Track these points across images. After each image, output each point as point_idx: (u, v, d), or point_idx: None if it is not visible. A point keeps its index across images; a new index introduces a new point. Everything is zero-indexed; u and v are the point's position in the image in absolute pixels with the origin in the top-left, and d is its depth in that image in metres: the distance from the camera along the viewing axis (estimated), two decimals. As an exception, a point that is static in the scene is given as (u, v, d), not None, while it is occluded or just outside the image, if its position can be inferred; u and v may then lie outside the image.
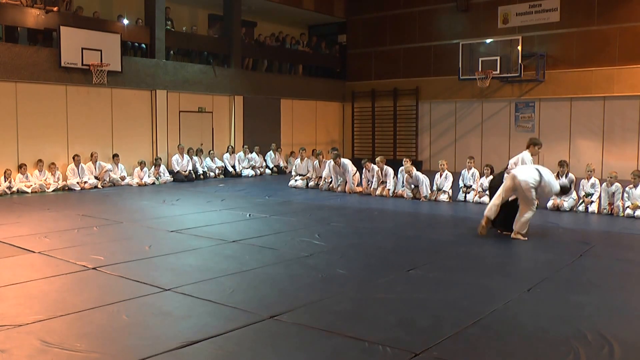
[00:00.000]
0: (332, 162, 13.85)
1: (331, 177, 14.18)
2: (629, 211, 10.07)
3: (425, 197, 12.23)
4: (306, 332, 4.42)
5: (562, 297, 5.35)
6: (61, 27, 14.35)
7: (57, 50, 14.33)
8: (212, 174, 17.34)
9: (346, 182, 13.74)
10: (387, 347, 4.08)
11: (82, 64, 14.63)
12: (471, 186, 12.24)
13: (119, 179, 15.12)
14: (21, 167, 13.56)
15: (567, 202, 10.84)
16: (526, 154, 8.66)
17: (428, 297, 5.37)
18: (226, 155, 17.99)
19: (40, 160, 13.91)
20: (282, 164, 19.24)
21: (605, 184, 10.59)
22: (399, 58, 21.33)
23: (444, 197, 12.14)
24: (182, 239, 8.00)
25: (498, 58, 17.48)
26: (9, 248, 7.36)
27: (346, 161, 13.91)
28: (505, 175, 8.54)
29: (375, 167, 13.29)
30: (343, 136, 22.92)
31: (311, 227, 8.95)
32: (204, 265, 6.51)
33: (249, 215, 10.13)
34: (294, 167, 15.91)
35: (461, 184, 12.40)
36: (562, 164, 11.14)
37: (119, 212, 10.61)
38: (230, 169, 17.79)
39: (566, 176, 11.09)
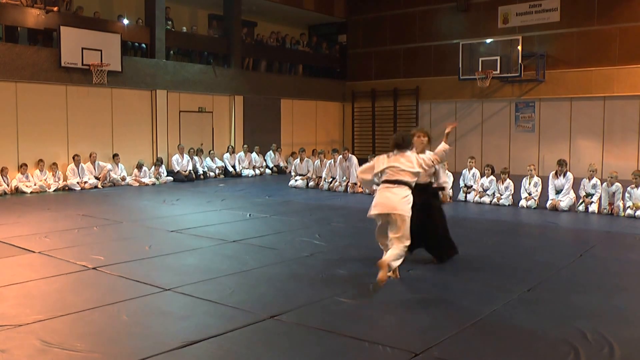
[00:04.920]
0: (340, 156, 13.99)
1: (332, 177, 14.20)
2: (629, 211, 10.07)
3: None
4: (306, 332, 4.42)
5: (562, 297, 5.35)
6: (61, 27, 14.34)
7: (57, 50, 14.33)
8: (212, 174, 17.34)
9: (348, 180, 13.76)
10: (387, 347, 4.07)
11: (82, 64, 14.62)
12: (472, 186, 12.24)
13: (119, 179, 15.12)
14: (21, 167, 13.56)
15: (564, 202, 10.84)
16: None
17: (428, 297, 5.36)
18: (226, 155, 17.99)
19: (41, 160, 13.91)
20: (282, 164, 19.24)
21: (605, 183, 10.58)
22: (399, 58, 21.32)
23: (444, 197, 12.14)
24: (182, 239, 7.99)
25: (498, 58, 17.48)
26: (9, 248, 7.36)
27: (354, 157, 14.08)
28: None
29: None
30: (343, 136, 22.91)
31: (311, 227, 8.95)
32: (204, 265, 6.51)
33: (249, 215, 10.12)
34: (293, 167, 15.92)
35: (462, 183, 12.40)
36: (560, 162, 11.15)
37: (119, 212, 10.60)
38: (231, 169, 17.79)
39: (564, 175, 11.11)
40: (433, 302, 5.20)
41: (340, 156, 14.10)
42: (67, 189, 14.05)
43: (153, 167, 15.99)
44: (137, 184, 15.20)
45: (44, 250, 7.17)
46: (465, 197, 12.18)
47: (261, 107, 19.66)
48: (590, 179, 10.86)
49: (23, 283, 5.73)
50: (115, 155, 15.35)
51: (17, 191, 13.27)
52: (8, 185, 13.13)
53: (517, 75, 17.44)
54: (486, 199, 11.82)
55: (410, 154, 5.97)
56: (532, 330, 4.46)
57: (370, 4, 21.85)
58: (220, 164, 17.78)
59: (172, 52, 17.61)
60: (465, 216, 10.34)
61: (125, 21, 16.37)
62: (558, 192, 11.04)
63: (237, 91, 18.82)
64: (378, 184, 6.02)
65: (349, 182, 13.79)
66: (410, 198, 5.77)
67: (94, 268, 6.30)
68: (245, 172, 17.92)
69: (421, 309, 5.00)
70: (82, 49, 14.61)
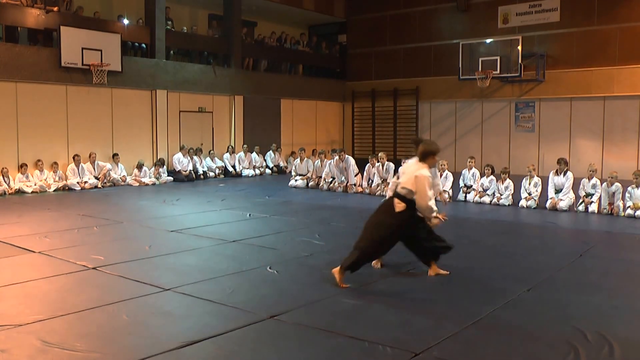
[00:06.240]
0: (337, 158, 13.97)
1: (332, 177, 14.20)
2: (629, 211, 10.07)
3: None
4: (306, 332, 4.42)
5: (562, 297, 5.35)
6: (61, 27, 14.35)
7: (57, 50, 14.33)
8: (212, 173, 17.35)
9: (347, 181, 13.77)
10: (387, 347, 4.08)
11: (83, 64, 14.62)
12: (471, 186, 12.24)
13: (120, 179, 15.13)
14: (21, 167, 13.57)
15: (563, 202, 10.85)
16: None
17: (428, 297, 5.36)
18: (226, 155, 17.99)
19: (39, 160, 13.91)
20: (282, 164, 19.25)
21: (605, 183, 10.59)
22: (399, 58, 21.33)
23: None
24: (182, 239, 8.00)
25: (498, 58, 17.48)
26: (9, 248, 7.36)
27: (350, 158, 14.07)
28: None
29: (378, 164, 13.38)
30: (343, 136, 22.92)
31: (311, 227, 8.95)
32: (204, 265, 6.51)
33: (249, 215, 10.13)
34: (293, 167, 15.92)
35: (461, 183, 12.40)
36: (560, 161, 11.15)
37: (119, 212, 10.60)
38: (231, 169, 17.80)
39: (564, 174, 11.12)
40: (433, 302, 5.20)
41: (337, 157, 14.06)
42: (67, 189, 14.05)
43: (153, 167, 16.00)
44: (137, 184, 15.20)
45: (44, 250, 7.17)
46: (465, 197, 12.18)
47: (261, 107, 19.66)
48: (590, 179, 10.86)
49: (23, 283, 5.73)
50: (115, 155, 15.36)
51: (18, 191, 13.27)
52: (9, 185, 13.14)
53: (517, 75, 17.44)
54: (486, 199, 11.82)
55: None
56: (532, 330, 4.47)
57: (370, 4, 21.85)
58: (220, 164, 17.78)
59: (172, 52, 17.62)
60: (465, 216, 10.34)
61: (125, 21, 16.37)
62: (558, 191, 11.05)
63: (237, 91, 18.81)
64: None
65: (347, 183, 13.79)
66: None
67: (94, 268, 6.30)
68: (245, 172, 17.93)
69: (421, 309, 5.00)
70: (82, 49, 14.61)
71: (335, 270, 5.66)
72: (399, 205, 5.74)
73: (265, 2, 19.39)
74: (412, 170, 5.80)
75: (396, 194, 5.84)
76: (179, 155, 16.49)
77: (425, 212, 5.72)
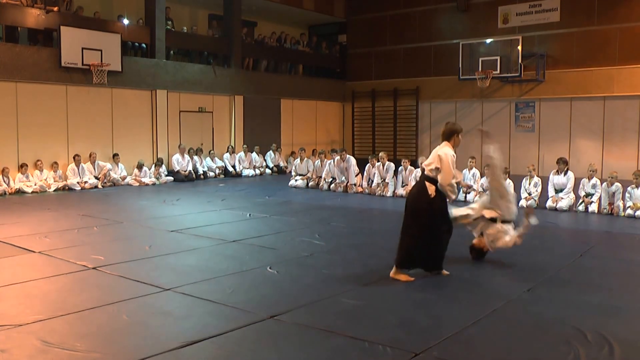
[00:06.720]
0: (338, 157, 13.97)
1: (332, 177, 14.19)
2: (629, 211, 10.07)
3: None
4: (306, 332, 4.42)
5: (562, 297, 5.35)
6: (61, 27, 14.35)
7: (57, 50, 14.33)
8: (212, 173, 17.35)
9: (348, 181, 13.77)
10: (387, 347, 4.08)
11: (83, 64, 14.62)
12: (472, 186, 12.24)
13: (120, 179, 15.12)
14: (22, 167, 13.57)
15: (563, 202, 10.84)
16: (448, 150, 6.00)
17: (428, 297, 5.36)
18: (226, 155, 18.00)
19: (39, 160, 13.90)
20: (282, 164, 19.25)
21: (605, 183, 10.59)
22: (399, 58, 21.33)
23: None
24: (182, 239, 8.00)
25: (498, 58, 17.47)
26: (9, 248, 7.36)
27: (352, 157, 14.08)
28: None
29: (378, 164, 13.38)
30: (343, 136, 22.91)
31: (311, 227, 8.95)
32: (204, 265, 6.51)
33: (249, 215, 10.13)
34: (293, 167, 15.92)
35: (462, 183, 12.40)
36: (559, 161, 11.14)
37: (119, 212, 10.61)
38: (231, 169, 17.80)
39: (565, 174, 11.11)
40: (433, 302, 5.20)
41: (338, 157, 14.07)
42: (67, 188, 14.05)
43: (153, 167, 15.99)
44: (137, 184, 15.20)
45: (44, 250, 7.17)
46: (465, 197, 12.18)
47: (261, 107, 19.67)
48: (590, 179, 10.86)
49: (23, 283, 5.74)
50: (115, 155, 15.36)
51: (18, 191, 13.27)
52: (8, 185, 13.13)
53: (517, 75, 17.44)
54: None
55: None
56: (531, 330, 4.47)
57: (370, 4, 21.85)
58: (220, 163, 17.78)
59: (172, 52, 17.61)
60: (465, 216, 10.33)
61: (125, 21, 16.37)
62: (558, 190, 11.04)
63: (237, 91, 18.82)
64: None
65: (348, 183, 13.80)
66: None
67: (94, 268, 6.31)
68: (246, 172, 17.93)
69: (421, 309, 5.00)
70: (82, 49, 14.61)
71: (395, 275, 5.81)
72: (431, 188, 5.82)
73: (265, 2, 19.39)
74: (436, 150, 5.97)
75: (425, 177, 5.90)
76: (177, 155, 16.48)
77: (445, 189, 5.80)
